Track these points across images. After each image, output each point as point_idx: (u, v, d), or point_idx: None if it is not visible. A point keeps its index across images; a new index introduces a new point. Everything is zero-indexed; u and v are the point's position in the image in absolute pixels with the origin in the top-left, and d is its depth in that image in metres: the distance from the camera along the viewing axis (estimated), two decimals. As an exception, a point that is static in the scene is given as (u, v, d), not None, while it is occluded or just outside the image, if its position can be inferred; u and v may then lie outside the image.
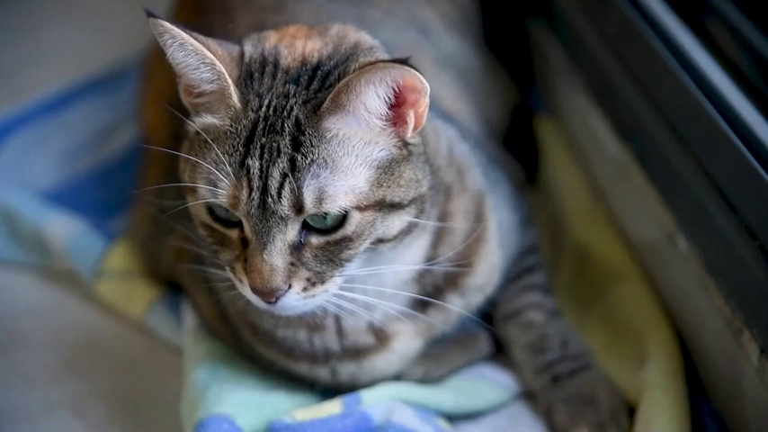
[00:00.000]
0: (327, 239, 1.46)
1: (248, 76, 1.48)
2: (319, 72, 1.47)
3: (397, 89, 1.42)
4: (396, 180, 1.47)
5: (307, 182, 1.41)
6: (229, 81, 1.46)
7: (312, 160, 1.42)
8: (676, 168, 1.80)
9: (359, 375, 1.74)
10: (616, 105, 2.04)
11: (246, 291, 1.50)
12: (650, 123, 1.88)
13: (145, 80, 2.31)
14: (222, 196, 1.44)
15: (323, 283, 1.49)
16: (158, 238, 1.99)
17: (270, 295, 1.46)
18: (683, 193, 1.79)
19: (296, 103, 1.44)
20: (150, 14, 1.45)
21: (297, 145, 1.43)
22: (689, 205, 1.77)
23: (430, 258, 1.66)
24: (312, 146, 1.42)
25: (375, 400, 1.73)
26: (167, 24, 1.44)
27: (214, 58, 1.45)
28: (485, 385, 1.82)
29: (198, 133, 1.49)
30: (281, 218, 1.43)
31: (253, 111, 1.45)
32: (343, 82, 1.41)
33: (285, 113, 1.44)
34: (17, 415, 1.86)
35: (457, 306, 1.75)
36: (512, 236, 1.87)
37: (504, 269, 1.84)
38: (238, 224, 1.48)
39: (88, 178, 2.40)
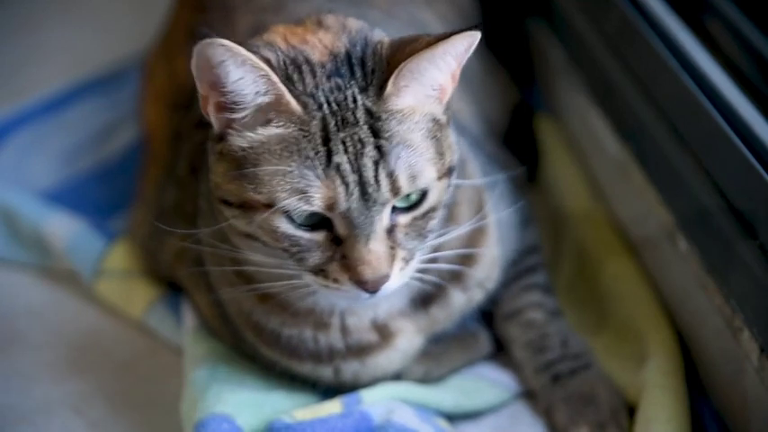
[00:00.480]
0: (413, 215, 1.49)
1: (287, 79, 1.46)
2: (353, 60, 1.48)
3: (455, 60, 1.47)
4: (448, 145, 1.51)
5: (398, 164, 1.44)
6: (284, 88, 1.43)
7: (396, 143, 1.44)
8: (676, 168, 1.80)
9: (361, 374, 1.75)
10: (616, 105, 2.04)
11: (344, 288, 1.49)
12: (650, 123, 1.89)
13: (145, 80, 2.31)
14: (317, 201, 1.43)
15: (412, 259, 1.52)
16: (158, 238, 1.99)
17: (377, 284, 1.47)
18: (683, 193, 1.79)
19: (354, 93, 1.46)
20: (205, 35, 1.39)
21: (376, 132, 1.44)
22: (689, 205, 1.77)
23: (435, 248, 1.67)
24: (390, 129, 1.44)
25: (375, 400, 1.73)
26: (229, 43, 1.39)
27: (268, 69, 1.42)
28: (485, 385, 1.82)
29: (248, 148, 1.46)
30: (381, 204, 1.44)
31: (315, 110, 1.44)
32: (404, 63, 1.43)
33: (350, 105, 1.45)
34: (17, 414, 1.86)
35: (459, 302, 1.76)
36: (511, 234, 1.87)
37: (504, 266, 1.85)
38: (324, 226, 1.47)
39: (88, 178, 2.40)
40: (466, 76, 2.09)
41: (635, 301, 1.91)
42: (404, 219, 1.49)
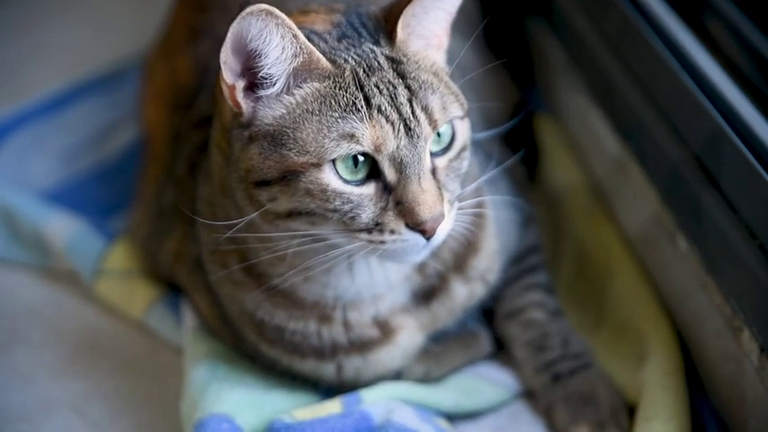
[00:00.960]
0: (449, 157, 1.55)
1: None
2: (355, 24, 1.56)
3: (443, 11, 1.58)
4: (457, 90, 1.59)
5: (428, 98, 1.51)
6: (312, 47, 1.49)
7: (421, 82, 1.52)
8: (676, 168, 1.80)
9: (363, 371, 1.75)
10: (616, 105, 2.04)
11: (402, 238, 1.50)
12: (650, 123, 1.89)
13: (145, 79, 2.31)
14: (366, 141, 1.47)
15: (454, 204, 1.56)
16: (157, 238, 1.99)
17: (435, 224, 1.49)
18: (683, 192, 1.79)
19: (369, 46, 1.53)
20: (246, 3, 1.45)
21: (401, 75, 1.51)
22: (689, 205, 1.77)
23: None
24: (412, 71, 1.52)
25: (375, 400, 1.73)
26: (268, 6, 1.44)
27: (297, 30, 1.47)
28: (485, 384, 1.82)
29: (286, 115, 1.50)
30: (424, 140, 1.49)
31: (343, 62, 1.51)
32: (406, 9, 1.52)
33: (371, 55, 1.52)
34: (17, 414, 1.86)
35: (461, 295, 1.76)
36: (511, 231, 1.88)
37: (504, 261, 1.86)
38: (372, 177, 1.50)
39: (88, 178, 2.40)
40: (466, 75, 2.10)
41: (635, 300, 1.91)
42: (441, 162, 1.54)
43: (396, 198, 1.49)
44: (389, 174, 1.49)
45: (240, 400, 1.73)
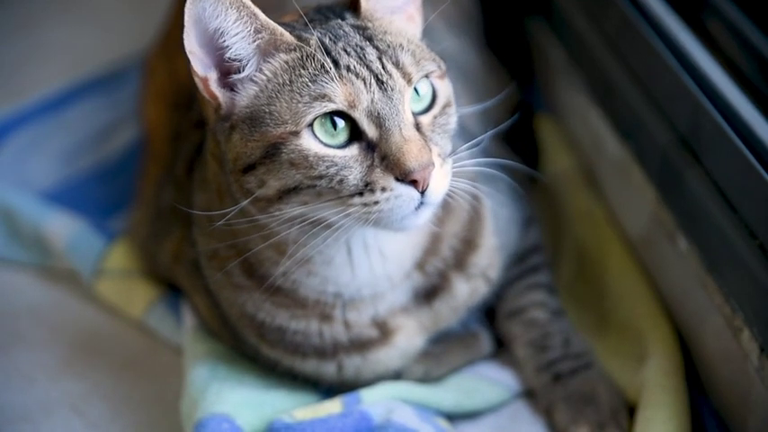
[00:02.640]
0: (433, 114, 1.55)
1: None
2: (323, 10, 1.60)
3: None
4: (435, 55, 1.60)
5: (399, 54, 1.52)
6: (274, 24, 1.51)
7: (390, 42, 1.54)
8: (676, 168, 1.80)
9: (363, 370, 1.75)
10: (616, 105, 2.04)
11: (394, 194, 1.48)
12: (650, 122, 1.89)
13: (145, 79, 2.31)
14: (339, 98, 1.47)
15: (447, 159, 1.55)
16: (157, 239, 1.99)
17: (424, 174, 1.47)
18: (683, 192, 1.79)
19: (337, 21, 1.56)
20: None
21: (369, 39, 1.53)
22: (689, 205, 1.77)
23: (437, 237, 1.70)
24: (380, 34, 1.55)
25: (375, 400, 1.73)
26: None
27: (256, 8, 1.49)
28: (485, 384, 1.82)
29: (260, 93, 1.51)
30: (399, 92, 1.50)
31: (309, 35, 1.52)
32: None
33: (337, 26, 1.54)
34: (17, 414, 1.86)
35: (463, 293, 1.76)
36: (510, 229, 1.88)
37: (505, 259, 1.86)
38: (353, 141, 1.50)
39: (88, 178, 2.40)
40: (466, 75, 2.09)
41: (635, 300, 1.91)
42: (426, 119, 1.55)
43: (381, 154, 1.49)
44: (370, 130, 1.49)
45: (240, 400, 1.73)
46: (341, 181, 1.49)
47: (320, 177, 1.49)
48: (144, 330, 2.02)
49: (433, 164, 1.49)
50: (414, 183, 1.47)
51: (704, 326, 1.76)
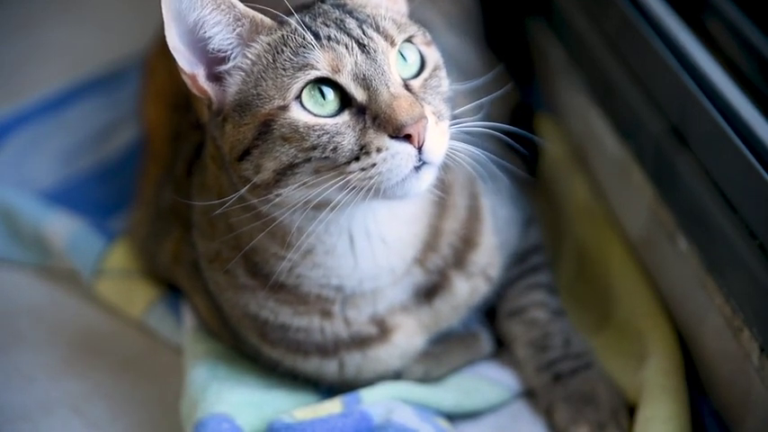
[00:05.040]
0: (423, 77, 1.55)
1: None
2: (303, 4, 1.60)
3: None
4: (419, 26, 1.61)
5: (379, 21, 1.54)
6: (252, 11, 1.52)
7: (370, 13, 1.56)
8: (676, 168, 1.80)
9: (364, 368, 1.75)
10: (616, 104, 2.05)
11: (390, 152, 1.46)
12: (650, 122, 1.89)
13: (146, 78, 2.31)
14: (322, 65, 1.48)
15: (442, 119, 1.53)
16: (156, 239, 1.99)
17: (418, 125, 1.46)
18: (682, 192, 1.79)
19: (316, 3, 1.57)
20: None
21: (349, 12, 1.55)
22: (689, 205, 1.77)
23: (436, 232, 1.70)
24: (360, 8, 1.57)
25: (375, 400, 1.73)
26: None
27: (235, 1, 1.51)
28: (485, 384, 1.82)
29: (246, 79, 1.53)
30: (383, 53, 1.50)
31: (288, 17, 1.54)
32: None
33: (317, 7, 1.56)
34: (16, 414, 1.86)
35: (463, 291, 1.77)
36: (510, 228, 1.88)
37: (505, 258, 1.86)
38: (342, 109, 1.49)
39: (88, 178, 2.40)
40: (466, 75, 2.10)
41: (635, 300, 1.91)
42: (416, 82, 1.54)
43: (372, 114, 1.48)
44: (358, 94, 1.49)
45: (240, 400, 1.73)
46: (335, 149, 1.48)
47: (313, 148, 1.48)
48: (144, 330, 2.02)
49: (426, 117, 1.48)
50: (408, 138, 1.46)
51: (704, 326, 1.76)
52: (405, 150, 1.46)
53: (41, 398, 1.89)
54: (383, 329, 1.74)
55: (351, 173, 1.47)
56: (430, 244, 1.73)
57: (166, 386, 1.88)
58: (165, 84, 2.15)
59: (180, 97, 2.04)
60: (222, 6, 1.49)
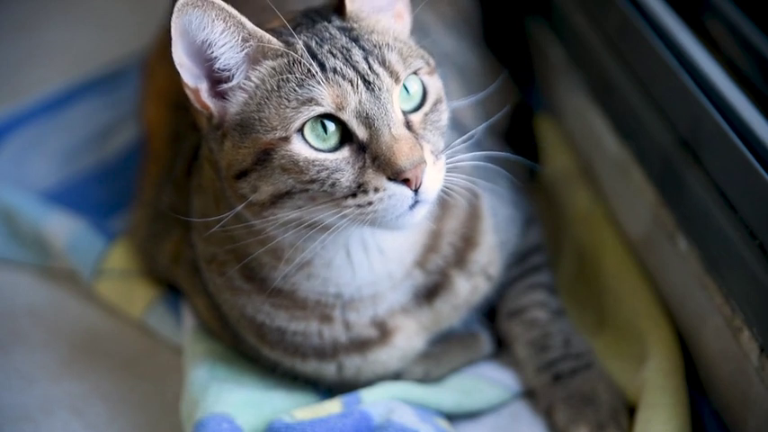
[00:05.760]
0: (424, 112, 1.55)
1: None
2: (310, 14, 1.59)
3: None
4: (423, 52, 1.60)
5: (385, 53, 1.52)
6: (261, 31, 1.51)
7: (376, 42, 1.54)
8: (676, 168, 1.80)
9: (363, 370, 1.75)
10: (616, 105, 2.04)
11: (387, 194, 1.48)
12: (650, 123, 1.89)
13: (145, 79, 2.31)
14: (326, 101, 1.48)
15: (440, 157, 1.54)
16: (156, 239, 1.99)
17: (416, 172, 1.47)
18: (683, 192, 1.79)
19: (323, 24, 1.55)
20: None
21: (355, 39, 1.53)
22: (689, 205, 1.77)
23: (436, 234, 1.70)
24: (366, 34, 1.55)
25: (375, 400, 1.73)
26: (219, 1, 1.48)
27: (242, 17, 1.50)
28: (485, 384, 1.82)
29: (249, 101, 1.52)
30: (387, 91, 1.50)
31: (295, 41, 1.52)
32: None
33: (323, 29, 1.54)
34: (16, 414, 1.86)
35: (464, 290, 1.77)
36: (510, 228, 1.88)
37: (505, 257, 1.86)
38: (344, 142, 1.49)
39: (88, 178, 2.40)
40: (465, 75, 2.09)
41: (635, 300, 1.91)
42: (416, 116, 1.54)
43: (372, 154, 1.48)
44: (360, 131, 1.49)
45: (240, 400, 1.73)
46: (333, 184, 1.49)
47: (312, 182, 1.49)
48: (144, 330, 2.02)
49: (425, 161, 1.48)
50: (406, 181, 1.47)
51: (704, 326, 1.76)
52: (402, 192, 1.48)
53: (41, 398, 1.89)
54: (383, 332, 1.74)
55: (347, 207, 1.49)
56: (430, 246, 1.73)
57: (166, 386, 1.88)
58: (165, 84, 2.14)
59: (179, 97, 2.03)
60: (231, 27, 1.49)
